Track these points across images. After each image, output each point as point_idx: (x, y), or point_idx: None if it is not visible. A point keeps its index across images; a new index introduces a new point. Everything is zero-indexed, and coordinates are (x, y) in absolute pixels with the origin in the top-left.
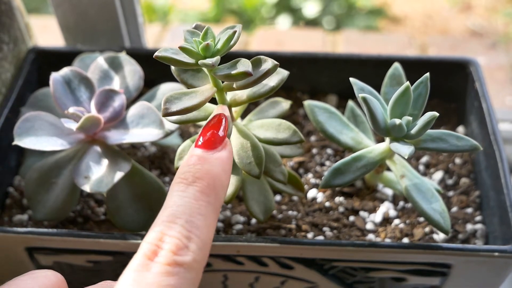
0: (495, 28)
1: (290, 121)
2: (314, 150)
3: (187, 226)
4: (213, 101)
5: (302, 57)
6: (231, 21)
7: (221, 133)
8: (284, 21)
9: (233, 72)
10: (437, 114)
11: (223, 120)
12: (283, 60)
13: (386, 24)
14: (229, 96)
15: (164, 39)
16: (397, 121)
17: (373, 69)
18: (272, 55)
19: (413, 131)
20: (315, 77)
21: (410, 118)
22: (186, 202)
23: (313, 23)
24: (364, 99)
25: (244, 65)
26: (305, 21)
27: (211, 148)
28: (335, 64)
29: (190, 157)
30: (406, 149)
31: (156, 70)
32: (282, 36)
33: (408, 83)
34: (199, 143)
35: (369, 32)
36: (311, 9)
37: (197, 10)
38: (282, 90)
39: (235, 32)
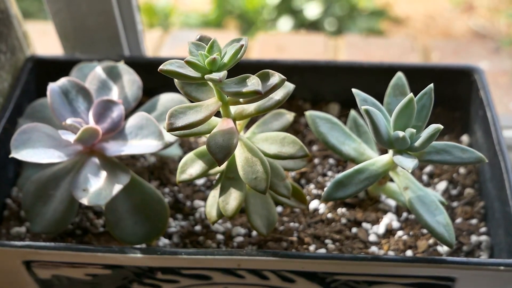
0: (497, 29)
1: (292, 130)
2: (316, 160)
3: None
4: (216, 113)
5: (303, 65)
6: (232, 23)
7: None
8: (285, 23)
9: (244, 90)
10: (441, 126)
11: None
12: (284, 68)
13: (388, 25)
14: (233, 109)
15: (165, 44)
16: (401, 133)
17: (376, 77)
18: (273, 63)
19: (417, 143)
20: (316, 86)
21: (414, 130)
22: None
23: (314, 25)
24: (367, 112)
25: (253, 83)
26: (306, 23)
27: None
28: (337, 72)
29: None
30: (409, 163)
31: (155, 78)
32: (283, 40)
33: (411, 94)
34: None
35: (371, 36)
36: (312, 11)
37: (199, 12)
38: None
39: (242, 46)
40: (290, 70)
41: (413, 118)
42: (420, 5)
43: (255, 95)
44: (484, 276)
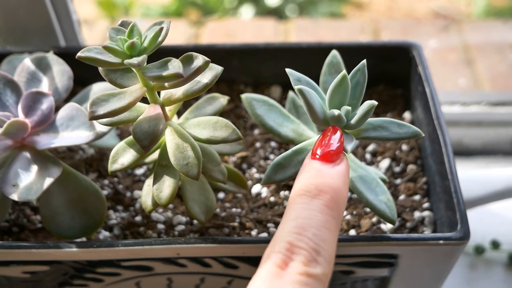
0: (457, 8)
1: (233, 115)
2: (258, 144)
3: (315, 239)
4: (145, 100)
5: (242, 48)
6: (193, 13)
7: (336, 146)
8: (247, 11)
9: (164, 73)
10: (375, 102)
11: (337, 134)
12: (223, 53)
13: (351, 9)
14: (162, 94)
15: None
16: (336, 111)
17: (315, 57)
18: (209, 48)
19: (353, 121)
20: (257, 69)
21: (349, 108)
22: (311, 215)
23: (276, 11)
24: (300, 91)
25: (175, 66)
26: (268, 10)
27: (329, 161)
28: (276, 54)
29: (307, 169)
30: (348, 145)
31: (93, 68)
32: (233, 27)
33: (344, 71)
34: (317, 156)
35: (321, 20)
36: None
37: (159, 4)
38: (224, 84)
39: (161, 28)
40: (229, 54)
41: (348, 95)
42: None
43: (177, 78)
44: (425, 251)
